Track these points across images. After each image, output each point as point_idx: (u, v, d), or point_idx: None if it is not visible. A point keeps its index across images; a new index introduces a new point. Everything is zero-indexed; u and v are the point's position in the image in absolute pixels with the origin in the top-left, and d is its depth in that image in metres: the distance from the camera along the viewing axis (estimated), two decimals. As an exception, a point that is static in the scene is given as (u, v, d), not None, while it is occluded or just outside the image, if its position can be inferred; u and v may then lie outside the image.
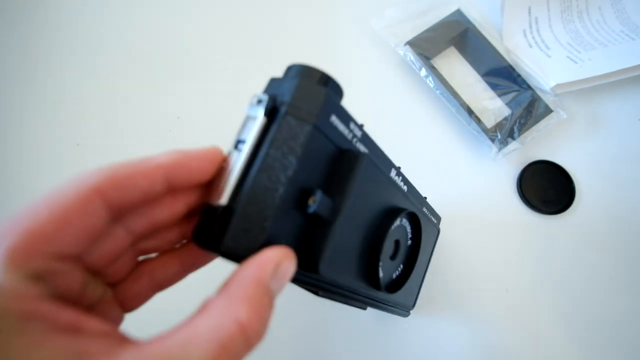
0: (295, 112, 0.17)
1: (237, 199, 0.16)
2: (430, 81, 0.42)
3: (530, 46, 0.44)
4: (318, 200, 0.17)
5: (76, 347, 0.13)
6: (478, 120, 0.41)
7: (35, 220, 0.14)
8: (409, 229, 0.26)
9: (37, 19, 0.43)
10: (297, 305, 0.35)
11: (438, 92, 0.42)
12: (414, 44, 0.43)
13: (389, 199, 0.23)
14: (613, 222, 0.39)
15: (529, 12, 0.45)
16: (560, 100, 0.42)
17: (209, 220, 0.17)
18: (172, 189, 0.17)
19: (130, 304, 0.19)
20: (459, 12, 0.44)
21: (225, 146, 0.18)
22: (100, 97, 0.41)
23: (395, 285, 0.26)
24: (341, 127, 0.19)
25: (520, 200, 0.40)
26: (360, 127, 0.20)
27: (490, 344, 0.36)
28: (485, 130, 0.40)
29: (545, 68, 0.42)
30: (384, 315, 0.34)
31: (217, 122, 0.41)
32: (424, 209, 0.29)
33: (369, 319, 0.36)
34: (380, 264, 0.22)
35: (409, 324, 0.35)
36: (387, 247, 0.23)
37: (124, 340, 0.14)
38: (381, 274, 0.22)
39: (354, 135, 0.20)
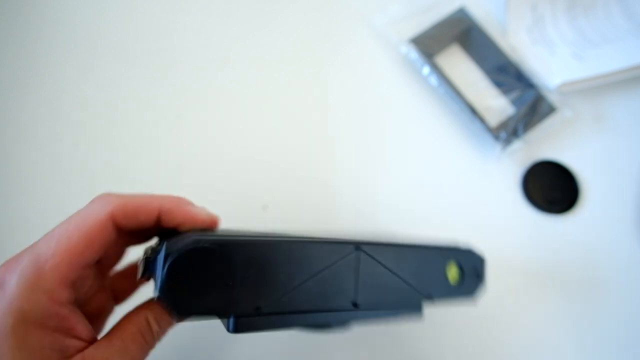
0: None
1: None
2: (433, 79, 0.41)
3: (535, 43, 0.43)
4: None
5: (58, 344, 0.17)
6: (482, 119, 0.40)
7: (71, 243, 0.18)
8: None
9: (36, 18, 0.42)
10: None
11: (441, 90, 0.41)
12: (417, 41, 0.42)
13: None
14: (618, 221, 0.39)
15: (534, 9, 0.44)
16: (565, 98, 0.41)
17: None
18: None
19: (121, 296, 0.25)
20: (462, 10, 0.43)
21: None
22: (99, 96, 0.40)
23: None
24: None
25: (525, 200, 0.39)
26: None
27: (495, 344, 0.35)
28: (489, 129, 0.40)
29: (549, 66, 0.42)
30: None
31: (216, 121, 0.40)
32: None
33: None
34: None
35: (409, 328, 0.35)
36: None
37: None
38: None
39: None
